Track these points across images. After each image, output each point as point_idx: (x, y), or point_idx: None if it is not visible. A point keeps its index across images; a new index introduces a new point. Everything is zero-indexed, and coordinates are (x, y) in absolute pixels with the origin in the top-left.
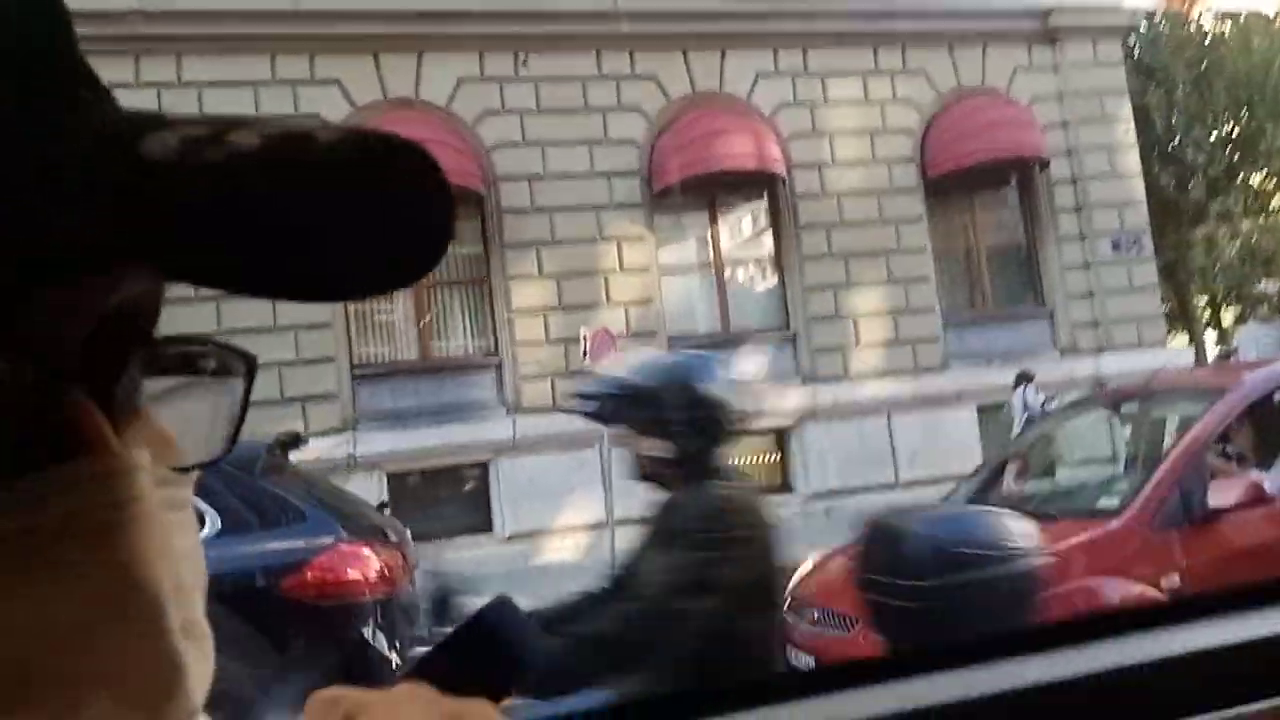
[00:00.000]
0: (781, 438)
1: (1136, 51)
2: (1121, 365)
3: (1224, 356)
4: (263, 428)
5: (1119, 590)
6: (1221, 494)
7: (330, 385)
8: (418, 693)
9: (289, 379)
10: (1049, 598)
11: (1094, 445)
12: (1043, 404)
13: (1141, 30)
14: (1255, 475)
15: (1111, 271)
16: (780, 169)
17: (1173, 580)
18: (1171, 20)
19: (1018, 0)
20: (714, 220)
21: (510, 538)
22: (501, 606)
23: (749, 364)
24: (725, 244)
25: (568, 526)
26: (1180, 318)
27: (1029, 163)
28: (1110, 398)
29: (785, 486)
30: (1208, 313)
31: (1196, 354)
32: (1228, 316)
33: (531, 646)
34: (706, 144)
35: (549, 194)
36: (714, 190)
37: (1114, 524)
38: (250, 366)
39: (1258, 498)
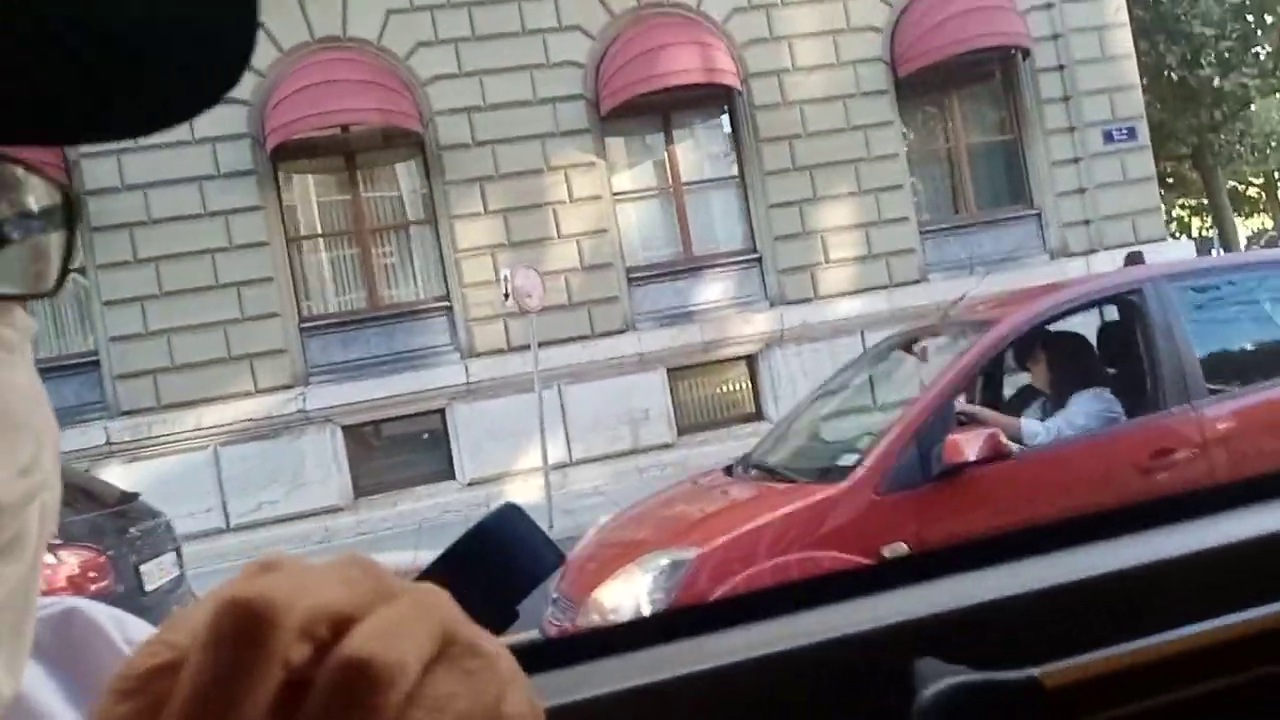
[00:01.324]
0: (751, 364)
1: None
2: (1118, 265)
3: (1268, 244)
4: (211, 390)
5: (827, 566)
6: (963, 448)
7: (277, 341)
8: (359, 564)
9: (235, 337)
10: (746, 576)
11: (875, 392)
12: None
13: None
14: (1008, 421)
15: (1104, 164)
16: (733, 80)
17: (898, 549)
18: None
19: None
20: (670, 140)
21: (471, 483)
22: (509, 514)
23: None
24: (684, 165)
25: (528, 469)
26: (1210, 208)
27: (1010, 51)
28: (908, 334)
29: (758, 414)
30: (1262, 195)
31: (1224, 245)
32: None
33: (543, 558)
34: (651, 60)
35: (490, 126)
36: (667, 109)
37: (835, 488)
38: (66, 196)
39: (996, 451)
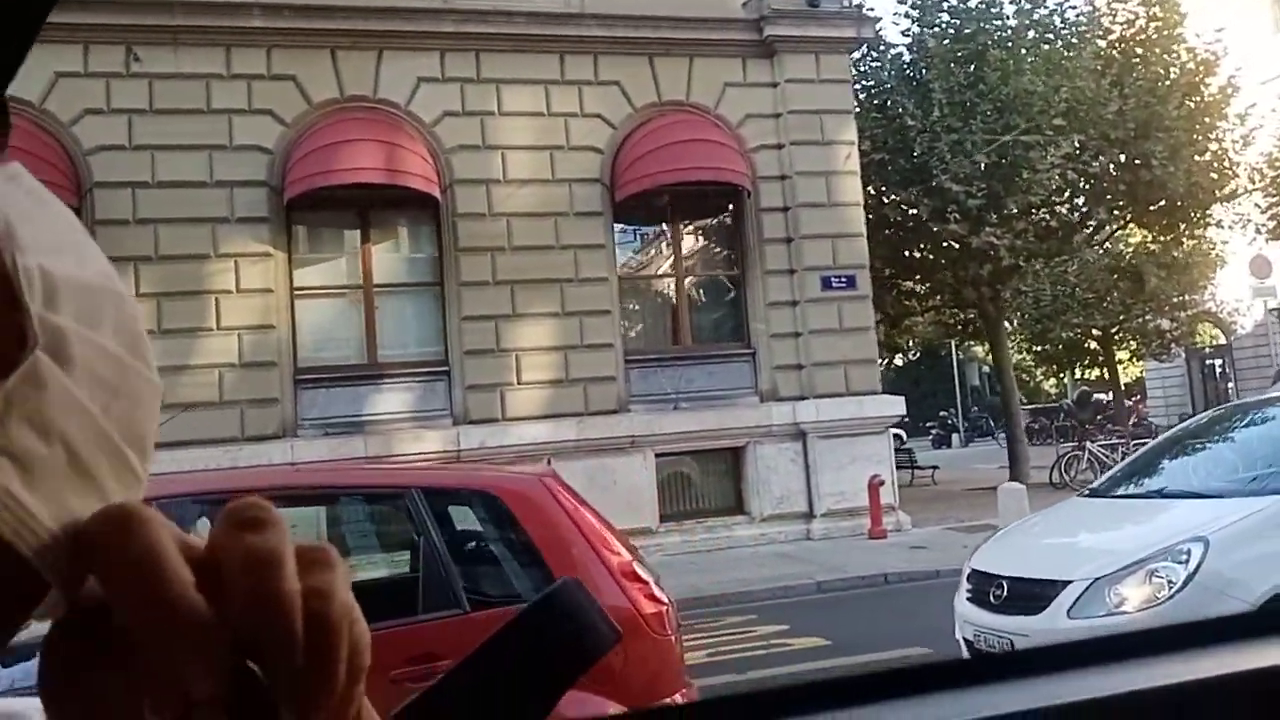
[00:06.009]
0: None
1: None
2: (821, 414)
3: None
4: None
5: None
6: None
7: None
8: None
9: None
10: None
11: None
12: None
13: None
14: None
15: (820, 311)
16: (425, 185)
17: None
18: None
19: (731, 8)
20: (367, 239)
21: None
22: (571, 587)
23: None
24: (379, 266)
25: None
26: (993, 359)
27: (734, 189)
28: None
29: None
30: (1097, 350)
31: (1005, 399)
32: (1123, 353)
33: (602, 635)
34: (335, 153)
35: (155, 204)
36: (365, 206)
37: None
38: None
39: None
